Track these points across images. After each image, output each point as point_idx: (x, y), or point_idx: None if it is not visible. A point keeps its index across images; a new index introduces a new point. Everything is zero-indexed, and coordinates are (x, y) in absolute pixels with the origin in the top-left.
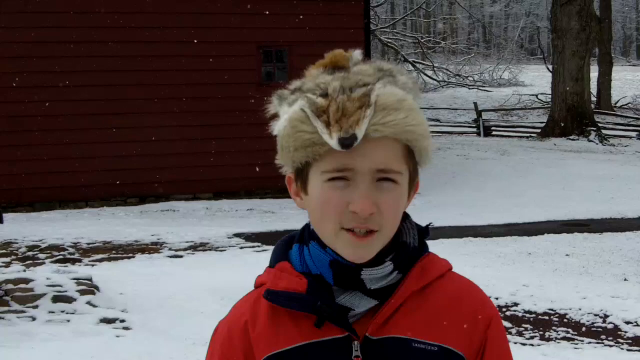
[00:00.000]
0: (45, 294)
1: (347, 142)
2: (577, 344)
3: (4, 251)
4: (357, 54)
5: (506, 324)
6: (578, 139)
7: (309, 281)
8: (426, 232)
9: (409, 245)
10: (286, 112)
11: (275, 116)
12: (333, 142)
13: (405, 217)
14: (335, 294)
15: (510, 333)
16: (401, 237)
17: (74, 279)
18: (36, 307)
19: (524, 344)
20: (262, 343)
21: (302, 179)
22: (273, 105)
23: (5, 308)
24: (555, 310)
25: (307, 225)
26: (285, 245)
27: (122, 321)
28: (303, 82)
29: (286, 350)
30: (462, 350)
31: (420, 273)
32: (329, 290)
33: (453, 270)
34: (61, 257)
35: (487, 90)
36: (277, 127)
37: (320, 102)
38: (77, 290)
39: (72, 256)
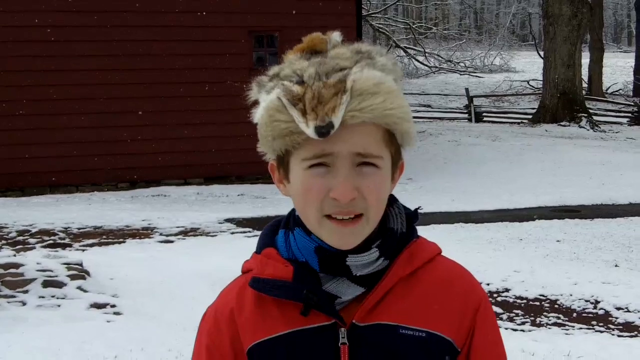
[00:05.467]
0: (35, 279)
1: (323, 130)
2: (568, 329)
3: None
4: (335, 36)
5: (497, 309)
6: (569, 125)
7: (295, 268)
8: (415, 217)
9: (396, 232)
10: (264, 100)
11: (256, 103)
12: (310, 130)
13: (393, 201)
14: (322, 281)
15: (501, 319)
16: (388, 222)
17: (65, 263)
18: (26, 292)
19: (514, 330)
20: (249, 331)
21: (283, 166)
22: (253, 93)
23: None
24: (546, 296)
25: (294, 211)
26: (272, 230)
27: (113, 306)
28: (281, 68)
29: (273, 337)
30: (451, 336)
31: (408, 259)
32: (316, 277)
33: (442, 254)
34: (52, 242)
35: (478, 76)
36: (256, 116)
37: (296, 89)
38: (68, 275)
39: (63, 241)
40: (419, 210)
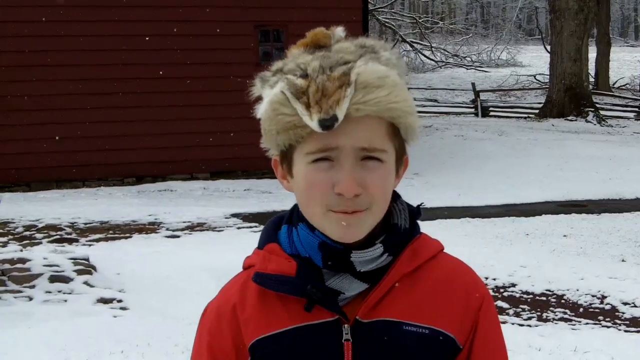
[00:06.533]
0: (42, 274)
1: (327, 123)
2: (574, 324)
3: (1, 231)
4: (339, 31)
5: (504, 304)
6: (576, 120)
7: (299, 264)
8: (418, 213)
9: (400, 227)
10: (268, 95)
11: (259, 99)
12: (313, 123)
13: (396, 197)
14: (325, 277)
15: (507, 314)
16: (392, 218)
17: (71, 259)
18: (33, 287)
19: (521, 325)
20: (251, 326)
21: (287, 161)
22: (256, 88)
23: (2, 288)
24: (552, 291)
25: (297, 206)
26: (275, 226)
27: (120, 301)
28: (284, 62)
29: (275, 333)
30: (454, 332)
31: (411, 255)
32: (319, 273)
33: (446, 250)
34: (58, 237)
35: (485, 71)
36: (260, 111)
37: (300, 83)
38: (74, 270)
39: (69, 236)
40: (421, 207)
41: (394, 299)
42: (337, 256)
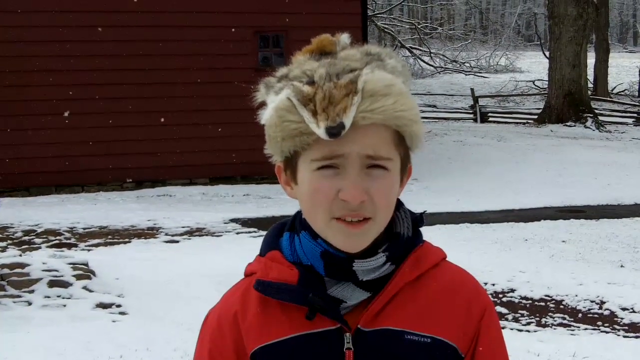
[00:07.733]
0: (41, 279)
1: (334, 131)
2: (573, 330)
3: (0, 236)
4: (344, 37)
5: (502, 310)
6: (575, 126)
7: (301, 272)
8: (420, 221)
9: (403, 236)
10: (273, 101)
11: (263, 104)
12: (320, 131)
13: (399, 205)
14: (327, 285)
15: (506, 319)
16: (395, 227)
17: (70, 263)
18: (32, 291)
19: (520, 330)
20: (253, 334)
21: (291, 168)
22: (260, 94)
23: (2, 292)
24: (551, 297)
25: (299, 213)
26: (277, 233)
27: (119, 306)
28: (290, 68)
29: (277, 342)
30: (455, 342)
31: (414, 264)
32: (321, 281)
33: (448, 258)
34: (57, 241)
35: (484, 77)
36: (265, 117)
37: (307, 90)
38: (73, 275)
39: (68, 241)
40: (424, 214)
41: (396, 307)
42: (340, 265)
